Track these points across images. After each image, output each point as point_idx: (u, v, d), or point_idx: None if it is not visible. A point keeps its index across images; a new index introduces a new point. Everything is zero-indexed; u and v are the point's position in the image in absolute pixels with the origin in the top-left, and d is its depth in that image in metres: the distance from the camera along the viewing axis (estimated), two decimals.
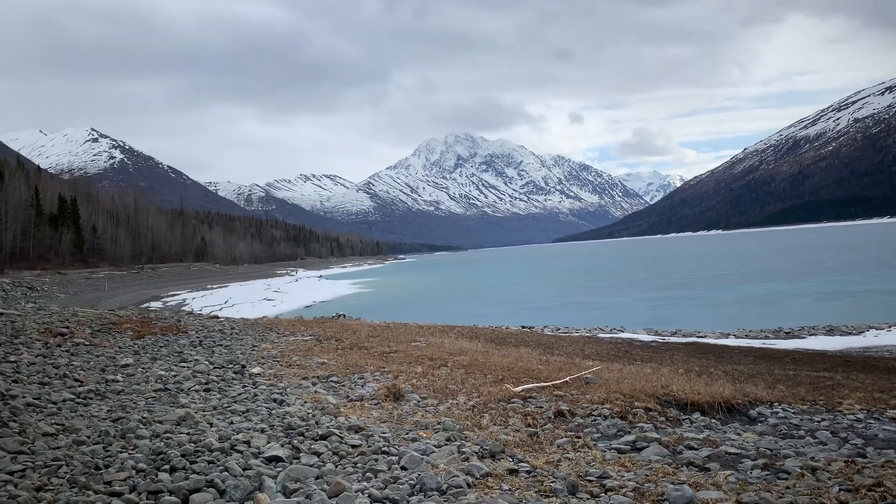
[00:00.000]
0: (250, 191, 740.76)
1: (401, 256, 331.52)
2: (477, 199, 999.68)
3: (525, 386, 7.22)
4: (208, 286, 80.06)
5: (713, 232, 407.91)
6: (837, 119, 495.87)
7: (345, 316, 28.04)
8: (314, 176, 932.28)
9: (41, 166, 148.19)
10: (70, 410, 5.66)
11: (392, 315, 31.20)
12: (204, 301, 57.36)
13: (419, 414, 6.24)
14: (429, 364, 9.29)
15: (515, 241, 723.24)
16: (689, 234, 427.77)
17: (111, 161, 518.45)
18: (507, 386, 7.19)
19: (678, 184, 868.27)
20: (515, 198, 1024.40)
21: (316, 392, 7.06)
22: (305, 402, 6.49)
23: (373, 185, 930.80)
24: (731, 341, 18.60)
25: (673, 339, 18.40)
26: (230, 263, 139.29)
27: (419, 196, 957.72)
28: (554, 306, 46.15)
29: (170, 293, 66.43)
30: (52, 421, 5.18)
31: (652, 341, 17.56)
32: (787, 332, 21.08)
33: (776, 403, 7.42)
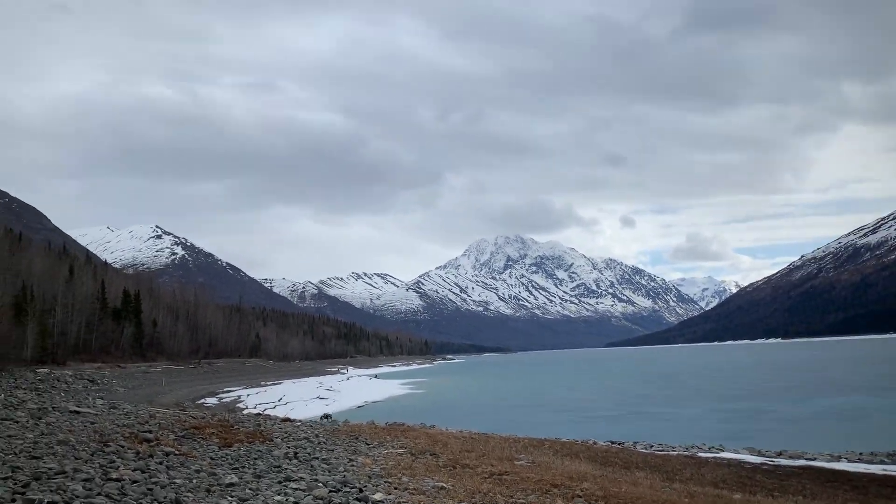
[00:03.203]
0: (304, 288, 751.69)
1: (449, 356, 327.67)
2: (527, 300, 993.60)
3: None
4: (262, 383, 79.95)
5: (772, 340, 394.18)
6: None
7: (331, 417, 27.24)
8: (365, 274, 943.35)
9: (107, 261, 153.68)
10: None
11: (447, 420, 30.05)
12: (258, 398, 56.96)
13: None
14: (557, 493, 8.35)
15: (566, 345, 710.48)
16: (747, 341, 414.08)
17: (173, 257, 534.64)
18: None
19: (734, 290, 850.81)
20: (566, 300, 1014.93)
21: None
22: None
23: (422, 284, 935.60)
24: (846, 465, 16.90)
25: (783, 462, 16.84)
26: (283, 360, 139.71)
27: (468, 296, 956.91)
28: (618, 416, 44.26)
29: (225, 389, 66.34)
30: None
31: (762, 464, 16.08)
32: None
33: None
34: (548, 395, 64.03)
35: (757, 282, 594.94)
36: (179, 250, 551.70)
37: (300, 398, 58.47)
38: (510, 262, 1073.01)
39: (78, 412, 15.37)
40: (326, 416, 27.71)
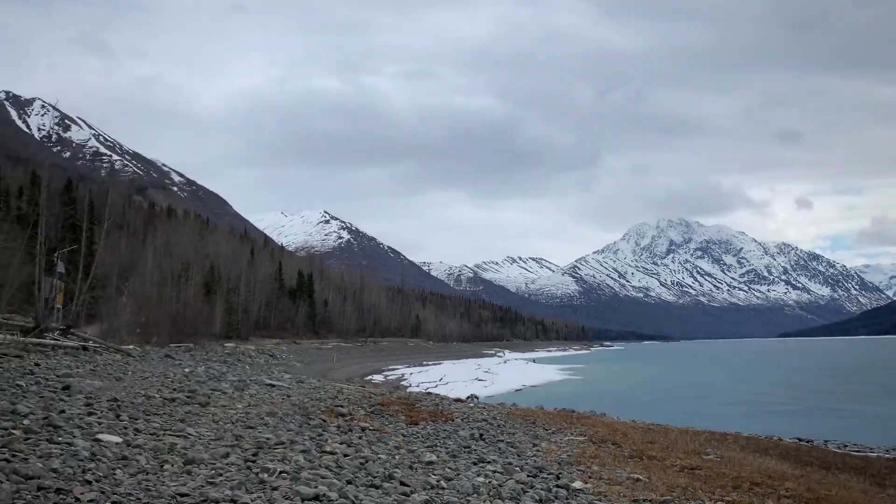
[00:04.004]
0: (460, 271, 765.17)
1: (607, 343, 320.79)
2: (691, 286, 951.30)
3: None
4: (424, 362, 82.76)
5: None
6: None
7: (477, 398, 27.14)
8: (520, 258, 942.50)
9: (282, 244, 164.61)
10: None
11: (611, 408, 29.39)
12: (421, 377, 58.95)
13: None
14: (760, 492, 7.99)
15: (733, 334, 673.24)
16: None
17: (339, 241, 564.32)
18: None
19: None
20: (734, 287, 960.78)
21: None
22: None
23: (579, 269, 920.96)
24: None
25: None
26: (441, 341, 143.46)
27: (627, 282, 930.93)
28: (796, 411, 41.41)
29: (390, 367, 69.33)
30: None
31: None
32: None
33: None
34: (717, 387, 61.18)
35: None
36: (345, 234, 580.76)
37: (460, 379, 59.65)
38: (673, 247, 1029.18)
39: (273, 385, 16.71)
40: (474, 397, 28.02)
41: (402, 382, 51.66)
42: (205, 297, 60.07)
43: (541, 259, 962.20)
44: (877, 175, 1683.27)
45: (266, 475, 6.35)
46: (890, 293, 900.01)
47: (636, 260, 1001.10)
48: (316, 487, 5.94)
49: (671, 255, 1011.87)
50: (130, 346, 30.78)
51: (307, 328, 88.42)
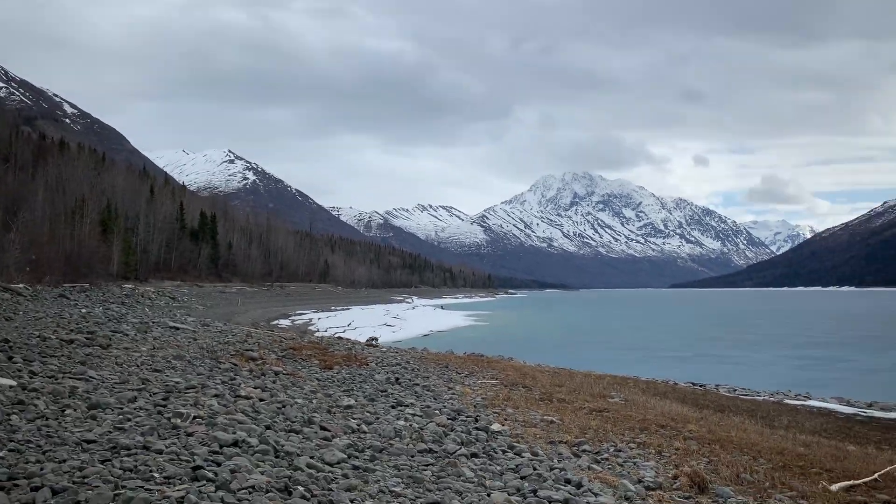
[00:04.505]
0: (370, 217, 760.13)
1: (511, 291, 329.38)
2: (591, 238, 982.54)
3: (841, 484, 6.13)
4: (332, 308, 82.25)
5: (845, 288, 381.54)
6: None
7: (376, 339, 27.98)
8: (431, 206, 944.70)
9: (184, 183, 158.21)
10: (360, 480, 5.10)
11: (515, 352, 30.29)
12: (329, 322, 58.64)
13: None
14: (667, 434, 8.36)
15: (629, 284, 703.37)
16: (819, 288, 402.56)
17: (244, 182, 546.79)
18: (824, 483, 6.14)
19: (808, 235, 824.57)
20: (632, 239, 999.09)
21: (591, 468, 6.25)
22: (603, 487, 5.64)
23: (487, 218, 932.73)
24: None
25: (877, 414, 16.41)
26: (350, 286, 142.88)
27: (532, 232, 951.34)
28: (685, 357, 43.81)
29: (297, 312, 68.53)
30: None
31: (855, 414, 15.71)
32: None
33: None
34: (613, 333, 63.91)
35: (834, 227, 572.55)
36: (251, 175, 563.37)
37: (368, 324, 59.70)
38: (577, 199, 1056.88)
39: (177, 328, 16.15)
40: (373, 339, 28.32)
41: (310, 327, 51.20)
42: (101, 236, 57.20)
43: (451, 207, 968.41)
44: (769, 136, 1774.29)
45: (179, 420, 6.09)
46: (774, 248, 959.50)
47: (542, 211, 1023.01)
48: (234, 433, 5.74)
49: (574, 208, 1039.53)
50: (20, 285, 29.03)
51: (210, 271, 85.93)
